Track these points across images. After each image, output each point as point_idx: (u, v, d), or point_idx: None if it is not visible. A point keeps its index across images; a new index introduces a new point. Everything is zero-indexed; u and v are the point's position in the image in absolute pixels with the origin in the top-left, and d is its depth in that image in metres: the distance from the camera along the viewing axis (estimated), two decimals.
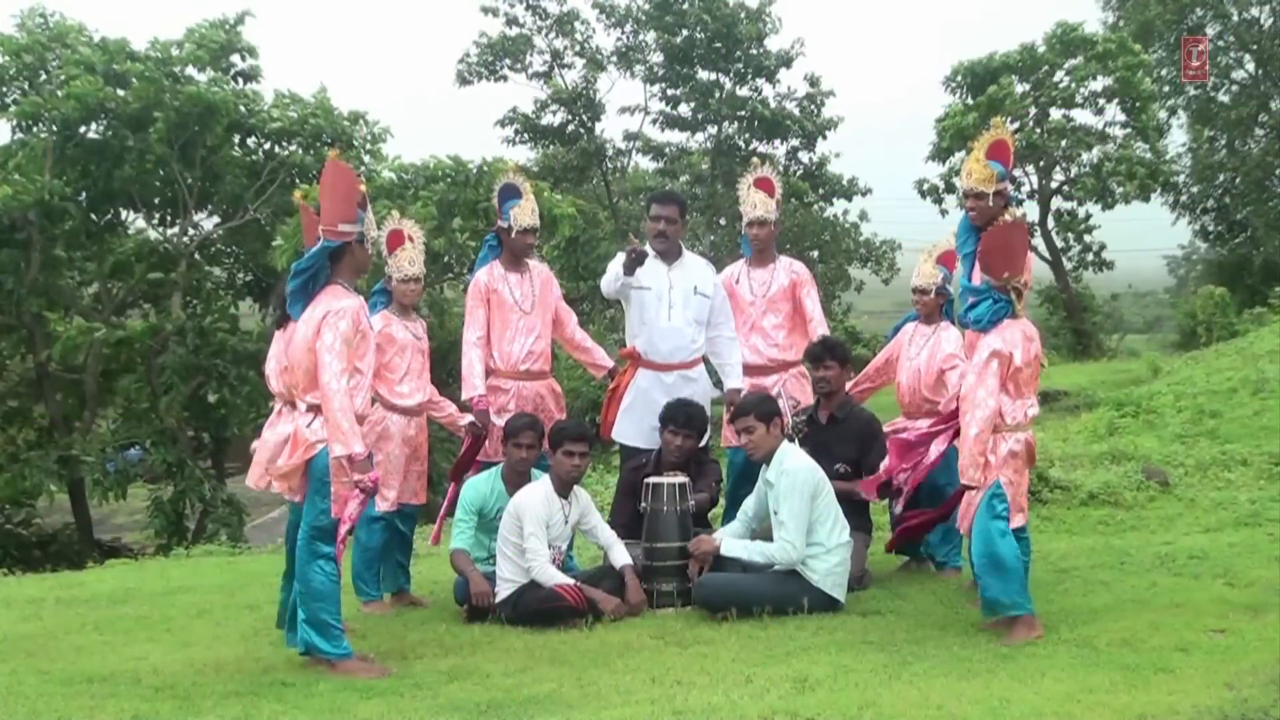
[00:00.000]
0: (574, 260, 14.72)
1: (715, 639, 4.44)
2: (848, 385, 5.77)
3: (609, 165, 23.66)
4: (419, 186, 14.25)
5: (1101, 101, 23.44)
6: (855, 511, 5.26)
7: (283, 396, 4.56)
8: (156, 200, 15.01)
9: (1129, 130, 23.48)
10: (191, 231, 15.22)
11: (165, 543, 13.03)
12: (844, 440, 5.46)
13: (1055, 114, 23.62)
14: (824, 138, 23.45)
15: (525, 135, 23.17)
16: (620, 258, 5.47)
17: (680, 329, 5.46)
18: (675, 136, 24.30)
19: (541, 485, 5.02)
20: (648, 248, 5.59)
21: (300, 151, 15.13)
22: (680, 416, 5.22)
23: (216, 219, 15.62)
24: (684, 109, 23.46)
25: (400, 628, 4.98)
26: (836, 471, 5.31)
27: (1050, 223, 25.08)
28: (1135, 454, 8.33)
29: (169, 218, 15.24)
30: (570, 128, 23.20)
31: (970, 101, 22.83)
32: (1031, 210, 24.54)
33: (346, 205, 4.27)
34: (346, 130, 15.44)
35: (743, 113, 22.80)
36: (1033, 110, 23.15)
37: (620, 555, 5.02)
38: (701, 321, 5.52)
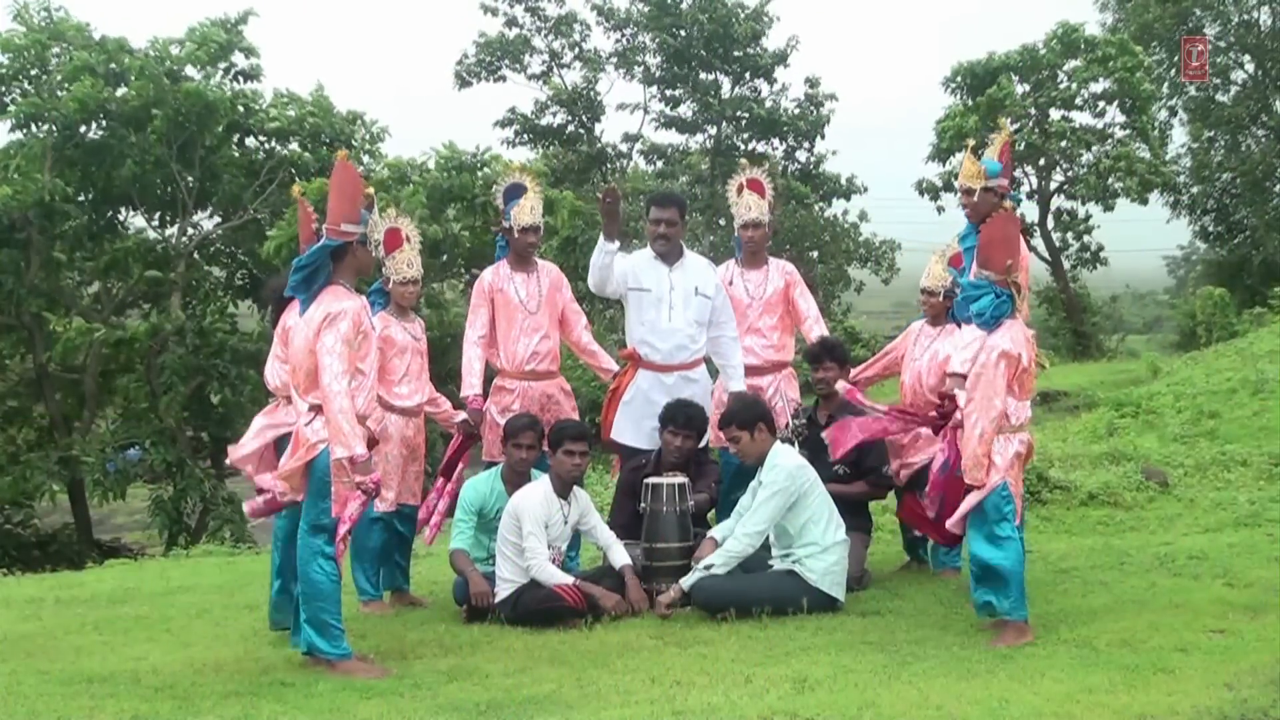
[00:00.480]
0: (572, 260, 14.74)
1: (715, 639, 4.44)
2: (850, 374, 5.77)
3: (609, 166, 23.66)
4: (411, 178, 14.22)
5: (1102, 104, 23.44)
6: (854, 511, 5.26)
7: (280, 393, 4.55)
8: (156, 200, 14.99)
9: (1129, 132, 23.48)
10: (191, 231, 15.21)
11: (169, 541, 13.03)
12: None
13: (1055, 115, 23.59)
14: (822, 136, 23.45)
15: (525, 136, 23.17)
16: (601, 245, 5.39)
17: (680, 329, 5.44)
18: (674, 138, 24.35)
19: (541, 485, 5.02)
20: (648, 249, 5.57)
21: (299, 150, 15.09)
22: (680, 417, 5.22)
23: (216, 219, 15.61)
24: (684, 110, 23.47)
25: (400, 628, 4.98)
26: (835, 473, 5.31)
27: (1050, 222, 25.07)
28: (1135, 454, 8.33)
29: (169, 218, 15.24)
30: (570, 129, 23.20)
31: (970, 102, 22.81)
32: (1031, 210, 24.55)
33: (351, 206, 4.28)
34: (345, 130, 15.41)
35: (741, 113, 22.80)
36: (1033, 111, 23.14)
37: (619, 555, 5.02)
38: (703, 322, 5.49)
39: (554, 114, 23.23)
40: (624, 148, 24.28)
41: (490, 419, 5.48)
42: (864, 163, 27.91)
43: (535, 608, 4.82)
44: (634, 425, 5.50)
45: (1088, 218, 24.91)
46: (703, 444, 5.43)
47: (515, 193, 5.53)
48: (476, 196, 14.22)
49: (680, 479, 5.10)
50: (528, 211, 5.51)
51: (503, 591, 4.93)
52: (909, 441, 5.48)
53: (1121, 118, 23.68)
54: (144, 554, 11.75)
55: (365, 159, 15.53)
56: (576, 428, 5.12)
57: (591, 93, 22.90)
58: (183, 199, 14.61)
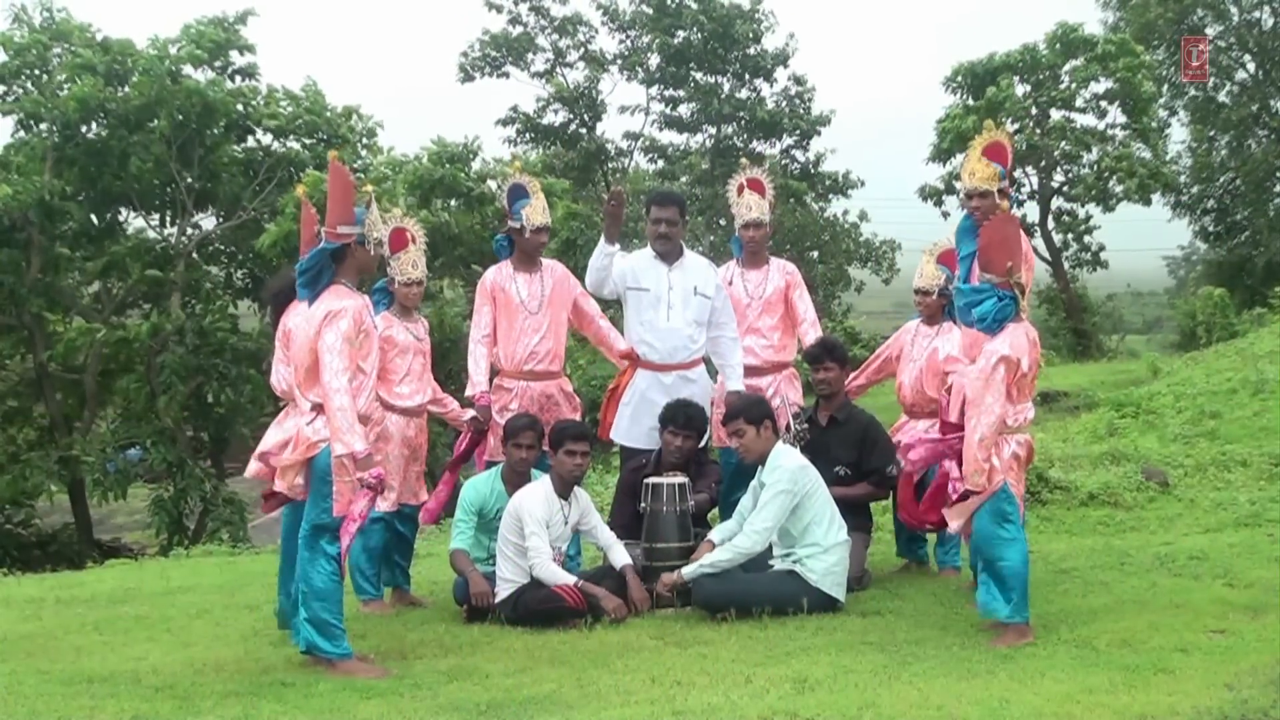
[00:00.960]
0: (571, 263, 14.79)
1: (715, 639, 4.44)
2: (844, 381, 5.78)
3: (610, 166, 23.69)
4: (401, 169, 14.26)
5: (1103, 104, 23.43)
6: (854, 512, 5.26)
7: (287, 396, 4.58)
8: (156, 201, 15.07)
9: (1129, 132, 23.48)
10: (191, 231, 15.25)
11: (167, 542, 13.05)
12: (844, 443, 5.47)
13: (1055, 115, 23.59)
14: (818, 134, 23.52)
15: (527, 135, 23.19)
16: (600, 247, 5.42)
17: (679, 329, 5.44)
18: (675, 137, 24.40)
19: (541, 485, 5.02)
20: (648, 248, 5.58)
21: (298, 148, 15.19)
22: (680, 417, 5.22)
23: (216, 218, 15.67)
24: (683, 110, 23.50)
25: (400, 628, 4.99)
26: (836, 474, 5.31)
27: (1050, 223, 25.10)
28: (1135, 454, 8.34)
29: (169, 218, 15.28)
30: (572, 128, 23.23)
31: (970, 103, 22.79)
32: (1031, 211, 24.56)
33: (344, 208, 4.30)
34: (340, 125, 15.46)
35: (741, 113, 22.84)
36: (1034, 111, 23.13)
37: (620, 555, 5.03)
38: (702, 322, 5.50)
39: (555, 112, 23.26)
40: (625, 145, 24.33)
41: (490, 419, 5.47)
42: (864, 163, 27.93)
43: (536, 608, 4.83)
44: (633, 425, 5.50)
45: (1088, 218, 24.91)
46: (703, 444, 5.43)
47: (520, 193, 5.50)
48: (470, 190, 14.22)
49: (680, 479, 5.10)
50: (540, 212, 5.50)
51: (503, 591, 4.94)
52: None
53: (1122, 118, 23.66)
54: (144, 554, 11.76)
55: (362, 154, 15.58)
56: (578, 428, 5.11)
57: (594, 92, 22.93)
58: (182, 199, 14.64)
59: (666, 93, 23.49)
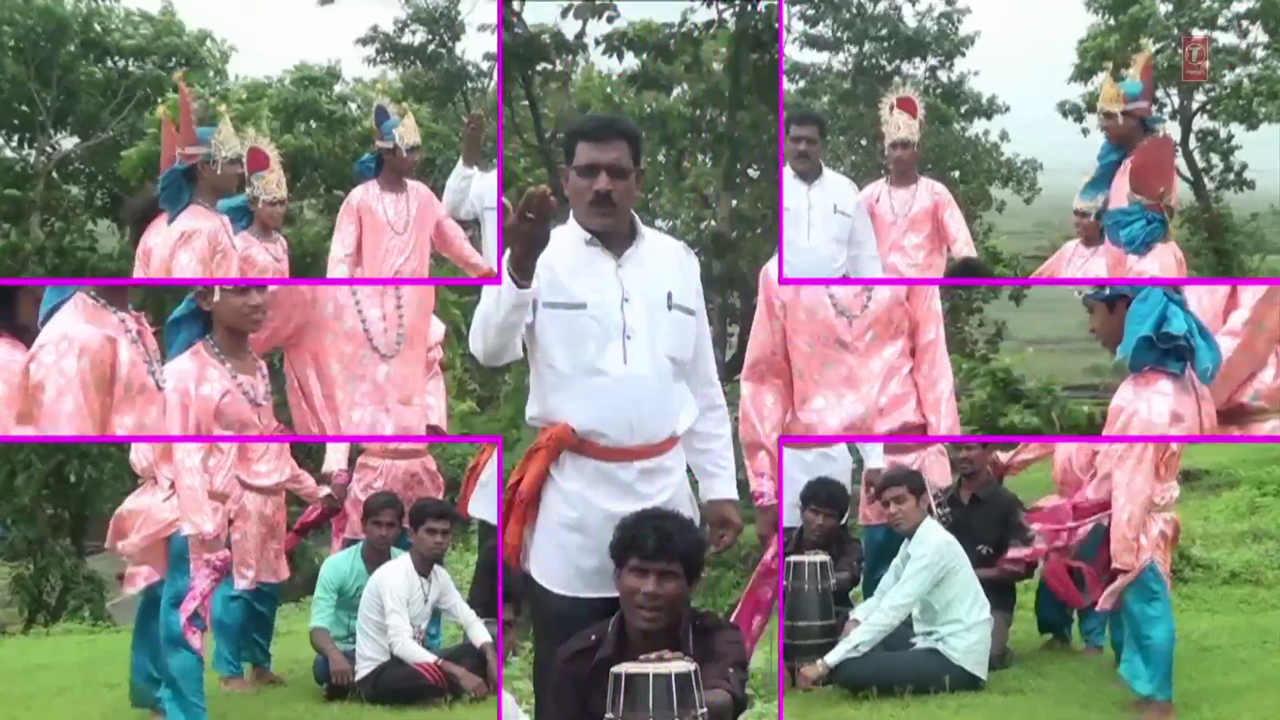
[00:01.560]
0: (430, 182, 15.77)
1: (857, 718, 4.94)
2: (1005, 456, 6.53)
3: (470, 86, 25.06)
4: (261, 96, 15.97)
5: (1245, 24, 24.62)
6: (997, 590, 5.78)
7: (145, 474, 4.99)
8: (16, 122, 16.97)
9: (1270, 52, 24.61)
10: (50, 151, 17.22)
11: (28, 619, 13.97)
12: (985, 522, 6.03)
13: (1197, 34, 24.76)
14: (962, 54, 24.87)
15: (386, 54, 24.30)
16: (458, 169, 6.76)
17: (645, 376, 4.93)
18: (816, 57, 25.72)
19: (402, 563, 5.72)
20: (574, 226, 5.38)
21: (155, 69, 17.23)
22: (822, 494, 5.89)
23: (76, 139, 17.73)
24: (823, 29, 24.89)
25: (260, 706, 5.57)
26: (978, 554, 5.84)
27: (1192, 142, 26.27)
28: (1277, 533, 9.16)
29: (27, 137, 17.27)
30: (431, 48, 24.41)
31: (1112, 22, 24.18)
32: (1174, 131, 25.58)
33: (187, 129, 5.25)
34: (196, 49, 17.63)
35: (883, 31, 24.19)
36: (1175, 31, 24.35)
37: (480, 633, 5.73)
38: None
39: (414, 33, 24.46)
40: (485, 66, 25.72)
41: (353, 496, 6.20)
42: (1005, 81, 29.35)
43: (396, 685, 5.58)
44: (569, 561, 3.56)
45: (1230, 138, 26.15)
46: (843, 521, 6.05)
47: (385, 114, 6.47)
48: (333, 113, 16.30)
49: (822, 557, 5.71)
50: (413, 131, 6.53)
51: (363, 669, 5.66)
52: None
53: (1264, 37, 24.81)
54: (3, 631, 12.46)
55: (214, 76, 17.65)
56: (439, 506, 5.93)
57: (453, 12, 24.11)
58: (40, 118, 16.49)
59: (807, 12, 24.76)
